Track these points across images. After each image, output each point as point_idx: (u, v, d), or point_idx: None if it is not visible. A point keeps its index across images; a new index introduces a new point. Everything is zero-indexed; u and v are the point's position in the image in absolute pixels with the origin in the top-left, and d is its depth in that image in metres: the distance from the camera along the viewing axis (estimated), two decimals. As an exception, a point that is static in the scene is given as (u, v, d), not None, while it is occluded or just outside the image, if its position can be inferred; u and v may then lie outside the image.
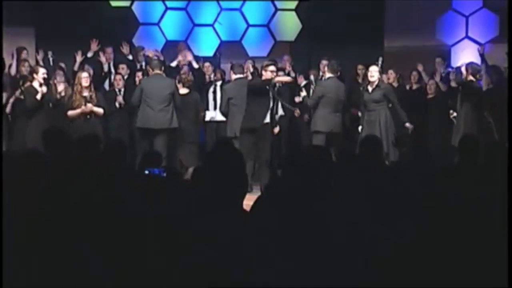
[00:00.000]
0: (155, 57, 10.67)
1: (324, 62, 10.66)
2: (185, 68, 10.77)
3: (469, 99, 9.28)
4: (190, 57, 11.25)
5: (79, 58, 10.96)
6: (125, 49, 11.49)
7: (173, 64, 10.87)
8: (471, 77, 9.47)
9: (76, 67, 10.67)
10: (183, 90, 9.75)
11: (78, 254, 3.28)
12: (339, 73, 9.77)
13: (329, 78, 9.63)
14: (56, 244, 3.31)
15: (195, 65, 11.14)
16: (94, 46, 11.23)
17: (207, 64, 11.47)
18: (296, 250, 3.20)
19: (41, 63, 10.99)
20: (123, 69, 11.00)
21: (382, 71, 10.43)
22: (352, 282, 3.14)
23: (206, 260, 3.10)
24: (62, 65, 10.93)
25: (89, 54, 11.19)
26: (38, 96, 9.23)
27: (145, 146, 9.50)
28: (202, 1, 13.38)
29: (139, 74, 10.70)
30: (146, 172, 4.17)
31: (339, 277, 3.16)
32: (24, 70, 10.31)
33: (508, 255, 3.24)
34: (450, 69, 11.51)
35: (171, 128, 9.50)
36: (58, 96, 9.65)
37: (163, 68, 9.88)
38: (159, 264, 3.22)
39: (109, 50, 11.34)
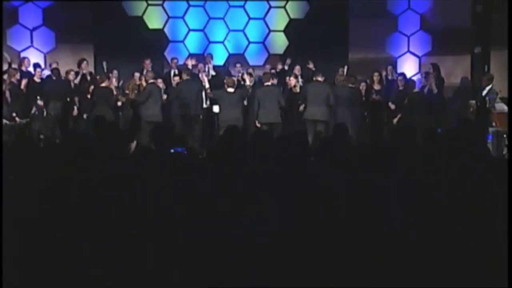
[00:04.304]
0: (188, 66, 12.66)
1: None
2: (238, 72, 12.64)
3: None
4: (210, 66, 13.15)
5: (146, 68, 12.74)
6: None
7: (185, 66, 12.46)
8: (350, 85, 11.77)
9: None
10: (230, 89, 10.90)
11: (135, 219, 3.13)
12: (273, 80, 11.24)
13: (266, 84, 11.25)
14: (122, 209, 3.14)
15: (213, 73, 12.82)
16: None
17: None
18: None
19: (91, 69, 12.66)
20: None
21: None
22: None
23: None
24: (115, 71, 12.47)
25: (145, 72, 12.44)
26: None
27: (183, 126, 11.22)
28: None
29: (176, 78, 12.34)
30: (172, 150, 4.25)
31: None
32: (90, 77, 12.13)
33: (508, 255, 3.02)
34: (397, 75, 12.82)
35: (198, 115, 11.63)
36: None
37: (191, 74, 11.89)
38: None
39: (148, 61, 13.06)
